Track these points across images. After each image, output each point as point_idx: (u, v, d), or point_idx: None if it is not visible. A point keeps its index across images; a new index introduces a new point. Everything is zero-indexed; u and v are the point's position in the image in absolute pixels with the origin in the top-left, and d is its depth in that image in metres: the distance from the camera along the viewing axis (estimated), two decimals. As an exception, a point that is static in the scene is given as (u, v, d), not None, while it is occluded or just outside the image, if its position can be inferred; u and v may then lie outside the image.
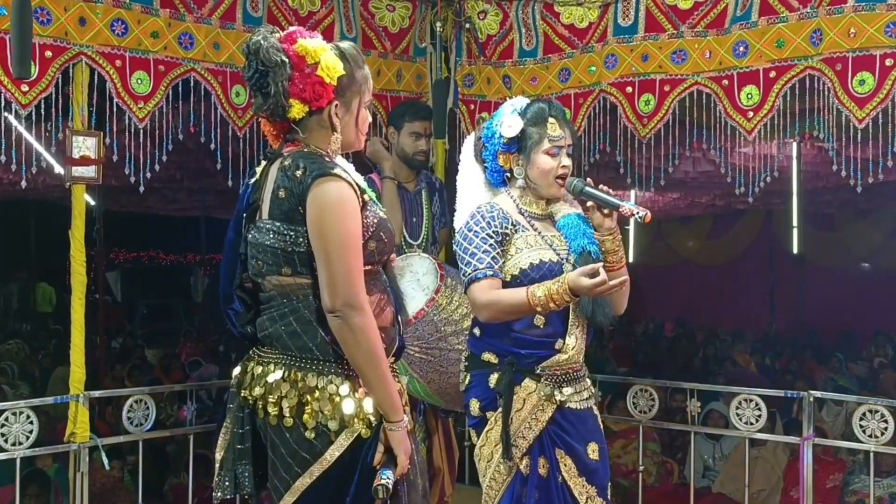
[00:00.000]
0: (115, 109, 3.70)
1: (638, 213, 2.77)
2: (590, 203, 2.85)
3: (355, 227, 2.21)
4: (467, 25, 4.71)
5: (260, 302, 2.37)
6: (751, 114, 3.88)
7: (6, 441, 3.56)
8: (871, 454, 3.94)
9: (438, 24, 4.64)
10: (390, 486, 2.21)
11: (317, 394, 2.22)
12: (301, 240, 2.22)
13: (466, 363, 2.97)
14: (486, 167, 2.95)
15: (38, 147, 4.11)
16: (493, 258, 2.77)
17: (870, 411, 3.83)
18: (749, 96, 3.87)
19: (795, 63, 3.77)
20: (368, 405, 2.23)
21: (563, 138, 2.84)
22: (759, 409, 4.08)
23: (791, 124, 3.98)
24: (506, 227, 2.81)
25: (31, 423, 3.61)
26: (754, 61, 3.85)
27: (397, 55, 4.71)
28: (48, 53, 3.50)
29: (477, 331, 2.90)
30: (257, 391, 2.28)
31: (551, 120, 2.83)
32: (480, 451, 2.89)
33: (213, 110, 3.95)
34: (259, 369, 2.31)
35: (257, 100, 2.30)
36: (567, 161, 2.86)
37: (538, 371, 2.81)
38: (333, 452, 2.20)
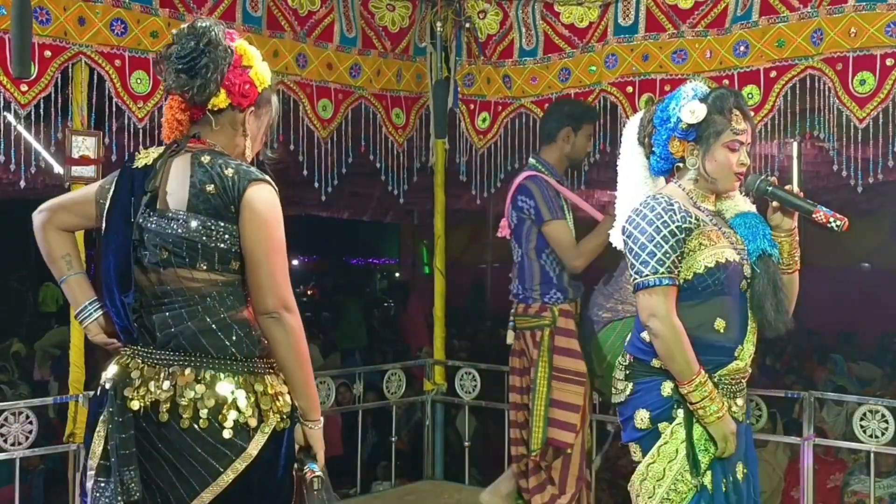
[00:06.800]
0: (114, 109, 3.71)
1: (834, 221, 2.56)
2: (775, 203, 2.63)
3: (282, 231, 2.29)
4: (467, 25, 4.71)
5: (145, 295, 2.27)
6: (751, 114, 3.88)
7: (6, 441, 3.55)
8: (872, 454, 3.93)
9: (438, 23, 4.64)
10: (324, 477, 2.27)
11: (233, 392, 2.23)
12: (227, 237, 2.22)
13: (627, 371, 2.64)
14: (652, 152, 2.68)
15: (38, 147, 4.11)
16: (674, 262, 2.50)
17: (870, 411, 3.82)
18: (750, 96, 3.86)
19: (796, 63, 3.77)
20: (282, 400, 2.28)
21: (745, 133, 2.59)
22: (760, 410, 4.07)
23: (791, 124, 3.97)
24: (689, 222, 2.53)
25: (31, 423, 3.60)
26: (755, 61, 3.86)
27: (397, 55, 4.71)
28: (47, 53, 3.50)
29: (646, 335, 2.57)
30: (160, 394, 2.22)
31: (736, 111, 2.59)
32: (647, 469, 2.55)
33: (212, 110, 3.95)
34: (152, 371, 2.25)
35: (180, 79, 2.22)
36: (746, 158, 2.61)
37: (715, 380, 2.54)
38: (252, 451, 2.22)
